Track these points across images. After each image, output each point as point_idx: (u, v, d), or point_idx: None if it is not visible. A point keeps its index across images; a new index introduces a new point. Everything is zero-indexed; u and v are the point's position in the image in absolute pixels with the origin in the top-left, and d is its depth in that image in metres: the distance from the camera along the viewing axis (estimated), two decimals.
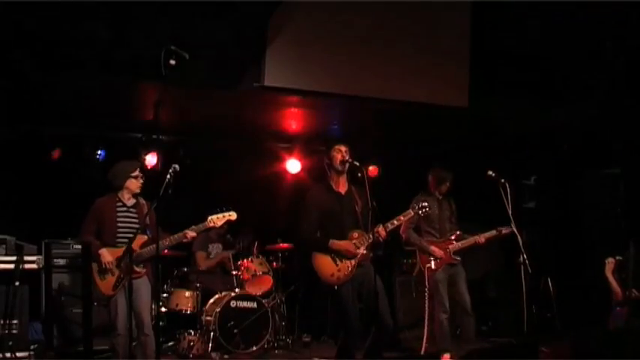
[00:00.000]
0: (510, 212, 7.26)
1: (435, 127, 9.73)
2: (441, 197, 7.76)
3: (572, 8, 7.77)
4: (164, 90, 5.41)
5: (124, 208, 6.65)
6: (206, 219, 6.58)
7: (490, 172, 7.39)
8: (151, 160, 9.24)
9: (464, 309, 7.49)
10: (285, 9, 7.71)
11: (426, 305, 7.64)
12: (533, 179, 10.09)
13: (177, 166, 6.16)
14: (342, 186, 6.62)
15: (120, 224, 6.58)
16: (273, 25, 7.75)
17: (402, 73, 8.59)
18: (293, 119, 9.64)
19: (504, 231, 7.53)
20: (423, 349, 7.77)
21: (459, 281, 7.58)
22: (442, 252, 7.57)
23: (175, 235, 6.49)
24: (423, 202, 6.74)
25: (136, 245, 6.37)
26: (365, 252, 6.40)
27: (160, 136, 5.32)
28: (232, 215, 6.64)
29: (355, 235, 6.43)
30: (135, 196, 6.70)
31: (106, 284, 6.46)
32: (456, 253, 7.62)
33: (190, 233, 6.55)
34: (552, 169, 10.33)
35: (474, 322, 7.61)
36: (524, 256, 7.25)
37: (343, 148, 6.53)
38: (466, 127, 9.63)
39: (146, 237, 6.50)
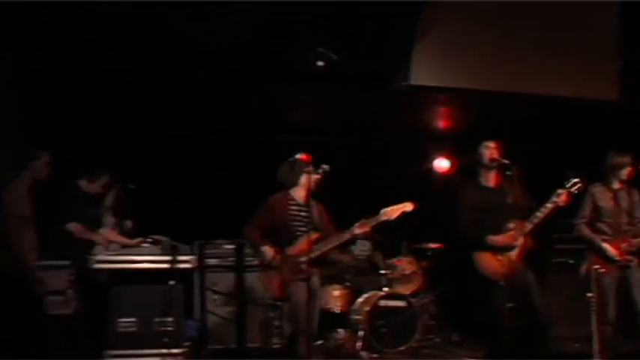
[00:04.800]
0: None
1: (584, 123, 9.35)
2: (618, 187, 6.90)
3: None
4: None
5: (297, 207, 6.37)
6: (378, 212, 6.29)
7: None
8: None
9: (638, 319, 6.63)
10: (433, 8, 7.72)
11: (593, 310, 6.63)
12: None
13: (326, 166, 6.14)
14: (493, 180, 6.60)
15: (294, 222, 6.32)
16: (421, 25, 7.75)
17: (550, 68, 8.43)
18: (442, 117, 9.58)
19: None
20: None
21: (632, 286, 6.72)
22: (618, 251, 6.72)
23: (345, 233, 6.25)
24: (575, 178, 6.23)
25: (307, 244, 6.05)
26: (524, 240, 6.30)
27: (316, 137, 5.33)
28: (407, 206, 6.38)
29: (512, 225, 6.33)
30: (308, 194, 6.27)
31: (275, 283, 6.34)
32: (629, 253, 6.72)
33: (362, 228, 6.25)
34: None
35: None
36: None
37: (492, 145, 6.52)
38: (616, 122, 9.18)
39: (319, 234, 6.25)
